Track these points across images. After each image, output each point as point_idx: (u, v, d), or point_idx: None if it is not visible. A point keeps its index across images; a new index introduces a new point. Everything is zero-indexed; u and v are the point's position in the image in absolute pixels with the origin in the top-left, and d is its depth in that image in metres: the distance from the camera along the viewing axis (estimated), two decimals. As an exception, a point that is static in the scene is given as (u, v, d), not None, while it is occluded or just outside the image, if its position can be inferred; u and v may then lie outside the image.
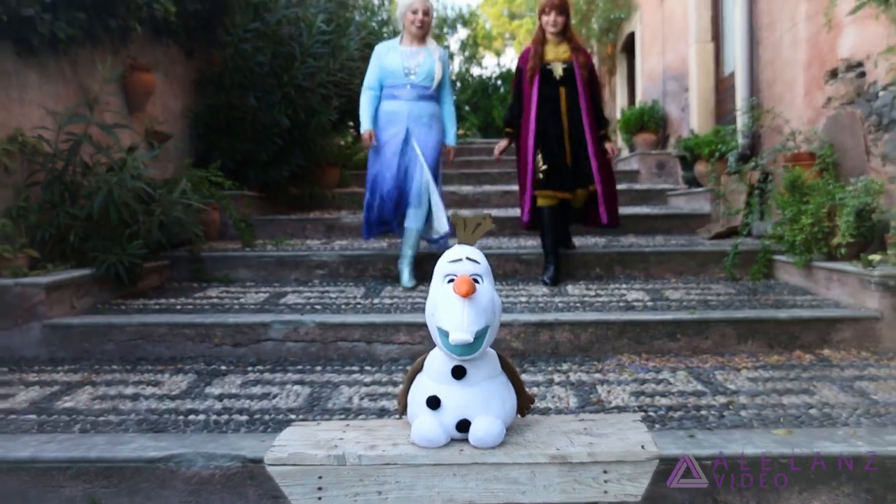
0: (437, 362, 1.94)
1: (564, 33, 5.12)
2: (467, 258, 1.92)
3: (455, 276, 1.88)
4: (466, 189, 8.06)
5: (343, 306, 4.45)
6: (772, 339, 3.87)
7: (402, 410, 2.04)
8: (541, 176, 5.02)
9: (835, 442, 2.58)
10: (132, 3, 5.05)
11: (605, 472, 1.80)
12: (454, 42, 19.66)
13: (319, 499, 1.77)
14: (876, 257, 4.08)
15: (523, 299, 4.55)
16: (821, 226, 4.57)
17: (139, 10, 5.19)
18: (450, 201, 7.57)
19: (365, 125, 5.04)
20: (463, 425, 1.88)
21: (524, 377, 3.45)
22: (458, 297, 1.84)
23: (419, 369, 2.02)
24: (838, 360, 3.71)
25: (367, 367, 3.69)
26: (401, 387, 2.20)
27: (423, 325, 3.66)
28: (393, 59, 5.03)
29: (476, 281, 1.88)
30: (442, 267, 1.94)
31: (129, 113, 5.69)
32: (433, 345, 1.99)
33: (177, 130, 6.49)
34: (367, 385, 3.41)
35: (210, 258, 5.37)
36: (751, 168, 6.01)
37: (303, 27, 7.03)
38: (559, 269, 5.07)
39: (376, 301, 4.60)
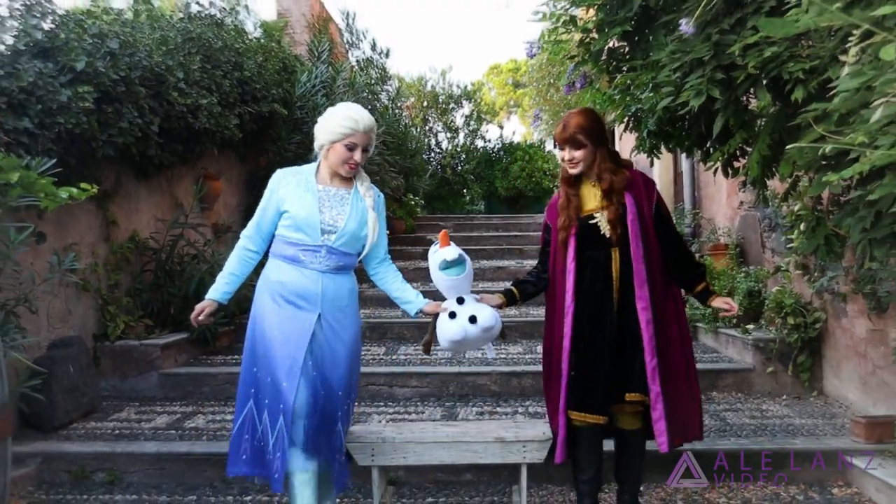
0: (449, 302, 3.32)
1: (592, 169, 3.36)
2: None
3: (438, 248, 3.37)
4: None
5: (370, 360, 6.05)
6: (676, 384, 5.45)
7: (426, 350, 3.47)
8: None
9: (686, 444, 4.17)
10: (212, 132, 6.75)
11: (524, 447, 3.38)
12: (459, 117, 21.00)
13: (373, 458, 3.37)
14: (751, 326, 5.70)
15: (502, 356, 6.14)
16: (723, 302, 6.18)
17: (215, 136, 6.89)
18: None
19: (210, 293, 3.34)
20: (472, 319, 3.23)
21: (499, 409, 5.06)
22: (445, 248, 3.33)
23: (434, 326, 3.39)
24: (720, 399, 5.31)
25: (390, 403, 5.29)
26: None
27: (430, 374, 5.31)
28: (306, 202, 3.19)
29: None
30: (433, 258, 3.38)
31: (201, 211, 7.37)
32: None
33: (234, 222, 8.17)
34: (389, 414, 5.01)
35: (265, 324, 6.98)
36: (688, 253, 7.67)
37: (333, 136, 8.77)
38: None
39: (394, 357, 6.19)
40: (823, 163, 2.77)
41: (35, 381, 4.01)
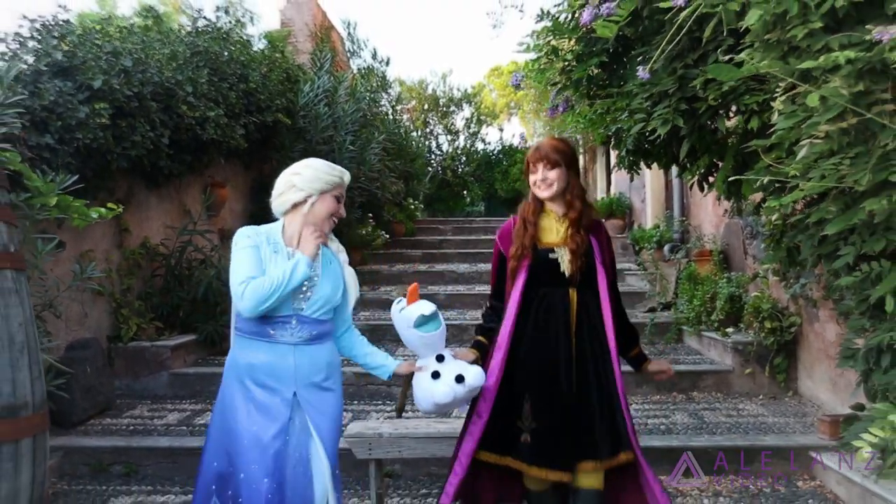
0: (427, 361, 3.04)
1: (564, 195, 3.06)
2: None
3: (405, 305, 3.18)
4: (463, 267, 9.95)
5: (369, 362, 6.36)
6: (658, 385, 5.76)
7: (399, 414, 3.80)
8: (527, 438, 2.98)
9: (661, 441, 4.49)
10: (218, 143, 7.05)
11: (509, 441, 3.69)
12: (459, 119, 21.14)
13: (370, 452, 3.68)
14: (730, 329, 6.01)
15: (496, 357, 6.44)
16: (706, 306, 6.50)
17: (221, 146, 7.20)
18: (447, 279, 9.50)
19: (301, 263, 2.72)
20: (459, 378, 2.88)
21: (490, 408, 5.35)
22: (416, 303, 3.04)
23: (408, 385, 3.35)
24: (699, 399, 5.62)
25: (388, 402, 5.60)
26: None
27: (424, 374, 5.58)
28: (279, 266, 2.75)
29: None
30: (401, 316, 3.12)
31: (208, 218, 7.67)
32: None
33: (238, 227, 8.47)
34: (387, 412, 5.32)
35: (269, 326, 7.31)
36: (677, 259, 7.98)
37: (335, 145, 9.09)
38: None
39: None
40: (778, 185, 3.08)
41: (60, 381, 4.32)
